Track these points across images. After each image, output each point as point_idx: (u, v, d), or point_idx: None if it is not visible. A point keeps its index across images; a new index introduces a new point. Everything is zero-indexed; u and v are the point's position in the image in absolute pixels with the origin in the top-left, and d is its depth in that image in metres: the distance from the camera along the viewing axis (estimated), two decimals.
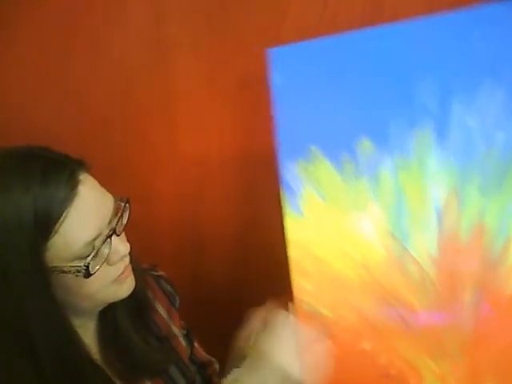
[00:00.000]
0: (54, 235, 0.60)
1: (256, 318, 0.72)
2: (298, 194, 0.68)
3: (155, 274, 0.86)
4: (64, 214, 0.60)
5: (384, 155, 0.65)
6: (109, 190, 0.66)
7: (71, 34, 1.00)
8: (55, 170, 0.61)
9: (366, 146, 0.65)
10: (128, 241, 0.68)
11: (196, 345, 0.89)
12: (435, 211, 0.63)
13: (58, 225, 0.59)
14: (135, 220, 0.68)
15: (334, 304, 0.67)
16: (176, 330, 0.83)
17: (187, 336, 0.86)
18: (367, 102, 0.65)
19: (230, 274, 1.12)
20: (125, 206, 0.67)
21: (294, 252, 0.68)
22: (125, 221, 0.67)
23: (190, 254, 1.13)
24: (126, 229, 0.68)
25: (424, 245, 0.64)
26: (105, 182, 0.66)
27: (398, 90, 0.64)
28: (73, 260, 0.61)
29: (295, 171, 0.67)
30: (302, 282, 0.68)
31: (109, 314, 0.73)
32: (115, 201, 0.67)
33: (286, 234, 0.68)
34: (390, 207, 0.65)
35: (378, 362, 0.67)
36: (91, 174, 0.65)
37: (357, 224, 0.66)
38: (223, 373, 0.77)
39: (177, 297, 0.86)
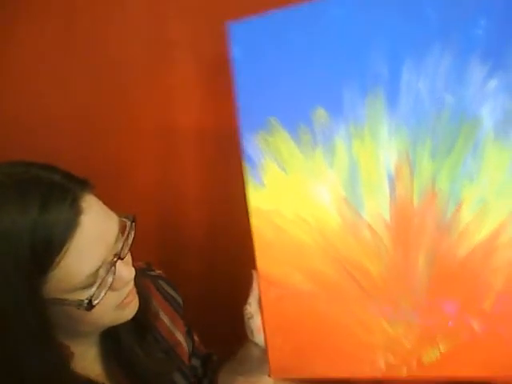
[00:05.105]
0: (53, 268, 0.55)
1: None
2: (258, 165, 0.69)
3: (152, 274, 0.84)
4: (65, 247, 0.55)
5: (338, 124, 0.65)
6: (111, 207, 0.62)
7: (70, 33, 1.02)
8: (56, 198, 0.56)
9: (321, 115, 0.66)
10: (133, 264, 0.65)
11: (196, 338, 0.88)
12: (388, 177, 0.64)
13: (58, 258, 0.55)
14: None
15: (293, 271, 0.69)
16: (180, 335, 0.82)
17: (188, 333, 0.85)
18: (322, 72, 0.66)
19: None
20: (131, 225, 0.63)
21: (256, 221, 0.70)
22: (130, 241, 0.63)
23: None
24: None
25: (377, 210, 0.65)
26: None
27: (350, 57, 0.64)
28: (74, 291, 0.58)
29: (255, 142, 0.69)
30: (264, 250, 0.70)
31: (112, 332, 0.70)
32: (120, 218, 0.62)
33: (248, 204, 0.70)
34: (345, 175, 0.66)
35: (334, 325, 0.68)
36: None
37: (315, 192, 0.67)
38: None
39: (179, 300, 0.84)
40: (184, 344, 0.83)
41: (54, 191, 0.56)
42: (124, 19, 1.03)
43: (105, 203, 0.63)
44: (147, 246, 1.05)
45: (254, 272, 0.72)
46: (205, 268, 1.13)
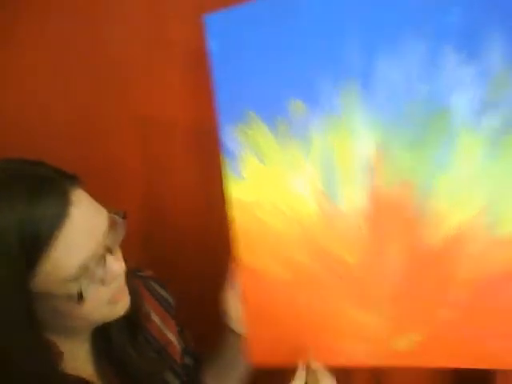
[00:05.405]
0: (42, 261, 0.55)
1: None
2: (237, 158, 0.69)
3: (143, 275, 0.84)
4: (53, 239, 0.55)
5: (315, 115, 0.65)
6: (102, 203, 0.63)
7: (70, 33, 1.03)
8: (45, 190, 0.56)
9: (298, 107, 0.65)
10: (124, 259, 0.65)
11: (189, 337, 0.88)
12: (364, 168, 0.63)
13: (47, 249, 0.55)
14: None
15: (273, 261, 0.69)
16: (171, 335, 0.82)
17: (181, 332, 0.85)
18: (298, 63, 0.65)
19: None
20: (121, 221, 0.63)
21: (235, 214, 0.69)
22: (120, 237, 0.63)
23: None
24: None
25: (354, 201, 0.64)
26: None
27: (325, 48, 0.63)
28: (64, 283, 0.57)
29: (234, 135, 0.69)
30: (244, 242, 0.70)
31: (103, 331, 0.70)
32: (110, 214, 0.62)
33: (227, 196, 0.69)
34: (322, 166, 0.65)
35: (312, 314, 0.68)
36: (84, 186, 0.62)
37: (293, 184, 0.66)
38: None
39: (171, 300, 0.84)
40: (176, 343, 0.82)
41: (44, 185, 0.57)
42: (124, 19, 1.04)
43: (104, 202, 0.63)
44: (146, 246, 1.06)
45: (232, 263, 0.72)
46: (204, 268, 1.12)
